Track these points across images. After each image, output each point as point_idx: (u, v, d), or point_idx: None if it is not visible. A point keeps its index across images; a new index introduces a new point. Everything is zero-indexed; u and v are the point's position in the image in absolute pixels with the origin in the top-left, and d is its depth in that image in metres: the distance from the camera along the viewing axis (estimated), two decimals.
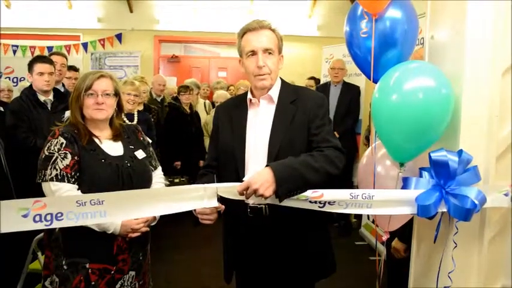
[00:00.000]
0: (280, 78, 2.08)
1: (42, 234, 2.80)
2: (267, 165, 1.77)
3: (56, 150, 2.01)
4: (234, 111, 2.09)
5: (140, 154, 2.24)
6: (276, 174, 1.72)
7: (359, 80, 5.60)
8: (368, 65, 1.89)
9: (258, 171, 1.77)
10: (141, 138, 2.33)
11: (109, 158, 2.10)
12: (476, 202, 1.62)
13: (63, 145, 2.02)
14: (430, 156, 1.70)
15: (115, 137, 2.20)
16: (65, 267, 2.04)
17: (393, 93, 1.71)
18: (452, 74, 1.74)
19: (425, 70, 1.76)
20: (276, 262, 1.99)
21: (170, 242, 4.88)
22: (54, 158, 2.00)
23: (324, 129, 1.93)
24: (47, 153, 2.02)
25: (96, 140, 2.13)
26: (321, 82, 6.54)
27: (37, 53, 7.24)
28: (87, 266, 2.03)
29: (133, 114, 4.24)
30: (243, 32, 1.97)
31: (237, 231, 2.07)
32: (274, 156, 1.90)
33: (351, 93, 5.41)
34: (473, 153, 1.70)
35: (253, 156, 1.97)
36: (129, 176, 2.10)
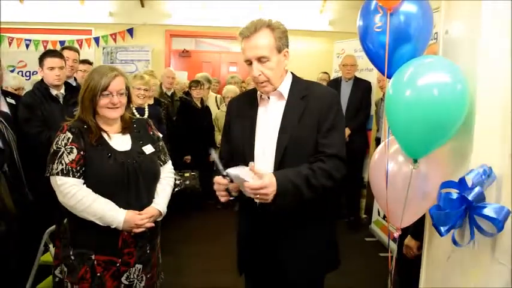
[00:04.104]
0: (292, 73, 2.07)
1: (54, 226, 2.82)
2: (276, 173, 1.83)
3: (63, 145, 2.06)
4: (245, 106, 2.10)
5: (149, 149, 2.25)
6: (279, 187, 1.78)
7: (371, 75, 5.56)
8: (381, 60, 1.87)
9: (270, 177, 1.79)
10: (151, 133, 2.34)
11: (115, 154, 2.13)
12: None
13: (70, 140, 2.07)
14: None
15: (124, 130, 2.24)
16: (72, 257, 2.10)
17: (407, 89, 1.69)
18: (467, 70, 1.71)
19: (441, 65, 1.73)
20: (280, 257, 2.02)
21: (180, 235, 4.92)
22: (60, 152, 2.05)
23: (333, 134, 1.95)
24: (54, 148, 2.08)
25: (105, 135, 2.17)
26: (332, 77, 6.51)
27: (49, 47, 7.27)
28: (93, 257, 2.08)
29: (144, 108, 4.26)
30: (240, 37, 1.97)
31: (247, 225, 2.12)
32: (281, 153, 1.92)
33: (362, 88, 5.37)
34: (487, 152, 1.67)
35: (261, 153, 1.98)
36: (134, 172, 2.14)
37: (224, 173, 1.86)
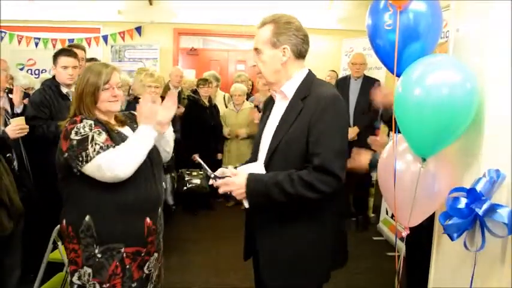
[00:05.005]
0: (309, 71, 2.03)
1: None
2: (249, 174, 1.88)
3: (88, 130, 2.00)
4: (268, 105, 2.16)
5: None
6: (247, 186, 1.85)
7: (379, 73, 5.53)
8: (391, 59, 1.86)
9: (238, 177, 1.88)
10: None
11: None
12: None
13: (93, 125, 2.03)
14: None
15: (121, 124, 2.26)
16: (99, 255, 2.05)
17: (416, 88, 1.68)
18: (478, 69, 1.70)
19: (450, 64, 1.72)
20: (258, 257, 2.04)
21: (188, 233, 4.94)
22: (90, 136, 1.98)
23: (322, 142, 1.82)
24: (78, 138, 1.99)
25: (114, 127, 2.18)
26: (340, 75, 6.48)
27: (58, 45, 7.32)
28: (122, 250, 2.07)
29: None
30: None
31: (246, 221, 2.19)
32: (271, 153, 1.94)
33: (371, 87, 5.32)
34: (497, 151, 1.65)
35: (261, 151, 2.03)
36: (151, 160, 2.18)
37: (211, 175, 1.97)
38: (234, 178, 1.88)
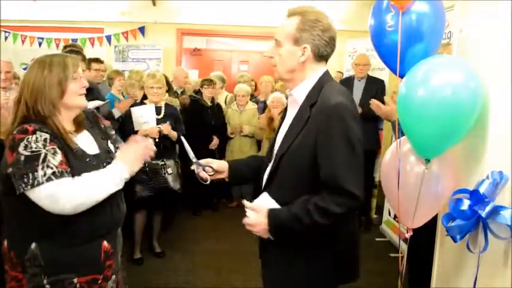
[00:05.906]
0: (324, 73, 1.87)
1: None
2: (269, 210, 1.76)
3: (41, 146, 1.68)
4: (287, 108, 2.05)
5: (112, 146, 2.07)
6: (269, 225, 1.74)
7: (382, 74, 5.52)
8: (393, 60, 1.85)
9: (260, 210, 1.77)
10: (103, 126, 2.12)
11: (91, 158, 1.87)
12: None
13: (48, 140, 1.71)
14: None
15: (78, 125, 1.95)
16: (47, 286, 1.78)
17: (420, 88, 1.67)
18: (482, 69, 1.69)
19: (453, 64, 1.72)
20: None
21: (191, 234, 4.93)
22: (42, 155, 1.66)
23: (334, 157, 1.66)
24: (27, 153, 1.66)
25: (72, 137, 1.87)
26: (344, 76, 6.47)
27: (62, 45, 7.33)
28: (75, 281, 1.81)
29: (161, 107, 4.18)
30: None
31: None
32: (276, 162, 1.83)
33: (375, 87, 5.31)
34: (501, 153, 1.65)
35: (273, 154, 1.92)
36: None
37: (193, 160, 1.98)
38: (255, 217, 1.76)
